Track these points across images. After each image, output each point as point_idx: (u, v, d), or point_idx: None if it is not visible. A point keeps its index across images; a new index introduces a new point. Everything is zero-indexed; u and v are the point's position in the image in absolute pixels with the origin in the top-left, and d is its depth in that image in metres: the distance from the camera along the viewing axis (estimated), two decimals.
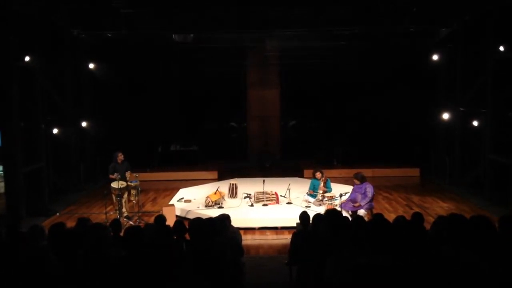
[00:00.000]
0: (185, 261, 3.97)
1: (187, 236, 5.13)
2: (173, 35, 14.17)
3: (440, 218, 5.47)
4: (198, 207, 10.75)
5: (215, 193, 11.09)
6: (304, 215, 6.43)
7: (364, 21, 12.57)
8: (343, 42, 14.19)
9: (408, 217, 5.71)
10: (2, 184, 10.65)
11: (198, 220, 4.66)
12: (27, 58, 10.90)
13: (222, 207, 10.58)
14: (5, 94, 10.38)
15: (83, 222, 5.95)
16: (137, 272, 3.20)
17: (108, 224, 6.49)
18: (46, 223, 9.96)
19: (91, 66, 14.40)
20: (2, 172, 10.63)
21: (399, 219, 5.06)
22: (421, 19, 12.49)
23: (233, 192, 11.67)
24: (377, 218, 5.08)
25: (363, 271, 3.48)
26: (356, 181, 9.73)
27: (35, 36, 11.54)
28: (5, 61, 10.32)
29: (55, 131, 12.66)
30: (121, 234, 5.94)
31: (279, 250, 8.65)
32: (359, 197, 9.61)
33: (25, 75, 11.09)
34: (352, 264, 3.57)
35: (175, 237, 5.43)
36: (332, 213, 5.31)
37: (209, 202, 10.78)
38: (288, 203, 10.91)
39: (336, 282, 3.75)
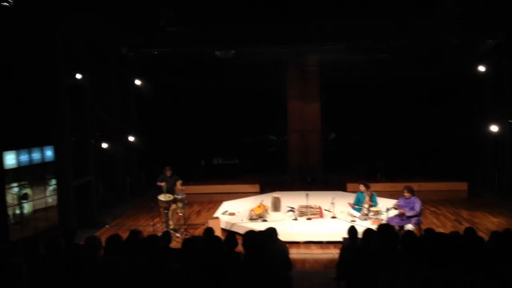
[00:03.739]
0: (241, 274, 4.00)
1: (236, 249, 5.18)
2: (215, 52, 14.47)
3: (494, 234, 5.33)
4: (242, 220, 10.81)
5: (259, 206, 11.14)
6: (352, 230, 6.39)
7: (406, 33, 12.44)
8: (384, 54, 14.05)
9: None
10: (54, 197, 11.05)
11: (252, 233, 4.70)
12: (77, 76, 11.36)
13: (266, 220, 10.61)
14: (57, 111, 10.81)
15: (135, 234, 6.11)
16: (194, 284, 3.26)
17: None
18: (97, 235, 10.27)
19: (137, 82, 14.85)
20: (54, 186, 11.04)
21: (454, 234, 4.95)
22: (465, 31, 12.25)
23: (276, 206, 11.67)
24: (430, 233, 4.98)
25: (423, 286, 3.42)
26: (406, 194, 9.48)
27: (85, 55, 12.03)
28: (56, 80, 10.74)
29: (103, 145, 13.09)
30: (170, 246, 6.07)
31: (325, 264, 8.58)
32: (405, 210, 9.43)
33: (75, 92, 11.56)
34: (411, 278, 3.52)
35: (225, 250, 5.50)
36: (385, 228, 5.25)
37: (253, 215, 10.83)
38: (333, 217, 10.82)
39: None
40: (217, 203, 13.15)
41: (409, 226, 9.09)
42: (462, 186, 15.12)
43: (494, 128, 13.35)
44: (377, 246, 5.10)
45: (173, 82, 16.58)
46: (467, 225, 9.81)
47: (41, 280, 4.22)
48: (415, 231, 8.99)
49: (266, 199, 11.97)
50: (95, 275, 3.82)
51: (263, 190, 15.26)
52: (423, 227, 8.91)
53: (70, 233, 6.30)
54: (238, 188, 15.65)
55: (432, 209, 12.45)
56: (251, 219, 10.76)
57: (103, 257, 4.22)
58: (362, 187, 10.65)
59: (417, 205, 9.28)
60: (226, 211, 11.74)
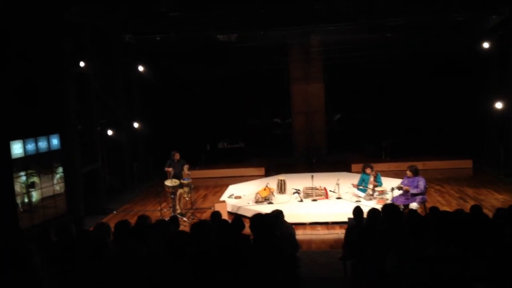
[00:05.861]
0: (252, 257, 4.07)
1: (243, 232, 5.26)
2: (218, 35, 14.41)
3: (499, 211, 5.39)
4: (249, 203, 10.91)
5: (265, 189, 11.23)
6: (357, 210, 6.44)
7: (411, 11, 12.32)
8: (389, 34, 13.94)
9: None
10: (62, 185, 11.17)
11: (260, 216, 4.78)
12: (81, 64, 11.39)
13: (272, 203, 10.70)
14: (63, 99, 10.88)
15: (143, 219, 6.20)
16: (208, 267, 3.33)
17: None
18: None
19: (140, 68, 14.85)
20: (61, 174, 11.16)
21: (460, 211, 5.02)
22: (471, 6, 12.12)
23: (281, 188, 11.75)
24: (435, 212, 5.04)
25: (431, 263, 3.49)
26: (409, 173, 9.49)
27: (89, 43, 12.04)
28: (61, 68, 10.79)
29: (109, 133, 13.17)
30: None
31: (331, 245, 8.67)
32: (410, 187, 9.46)
33: (80, 80, 11.60)
34: (419, 256, 3.58)
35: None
36: (390, 208, 5.32)
37: (259, 198, 10.92)
38: (338, 198, 10.90)
39: (399, 274, 3.78)
40: (223, 187, 13.25)
41: (414, 205, 9.14)
42: (467, 163, 15.13)
43: (498, 105, 13.30)
44: (383, 226, 5.18)
45: (176, 68, 16.58)
46: (472, 202, 9.86)
47: (55, 267, 4.31)
48: (420, 210, 9.09)
49: (272, 182, 12.05)
50: (115, 260, 3.87)
51: (268, 173, 15.36)
52: (428, 205, 8.96)
53: (80, 220, 6.41)
54: (243, 171, 15.74)
55: (437, 187, 12.50)
56: (257, 201, 10.85)
57: (124, 242, 4.26)
58: (368, 170, 10.68)
59: (421, 183, 9.32)
60: (232, 195, 11.84)
